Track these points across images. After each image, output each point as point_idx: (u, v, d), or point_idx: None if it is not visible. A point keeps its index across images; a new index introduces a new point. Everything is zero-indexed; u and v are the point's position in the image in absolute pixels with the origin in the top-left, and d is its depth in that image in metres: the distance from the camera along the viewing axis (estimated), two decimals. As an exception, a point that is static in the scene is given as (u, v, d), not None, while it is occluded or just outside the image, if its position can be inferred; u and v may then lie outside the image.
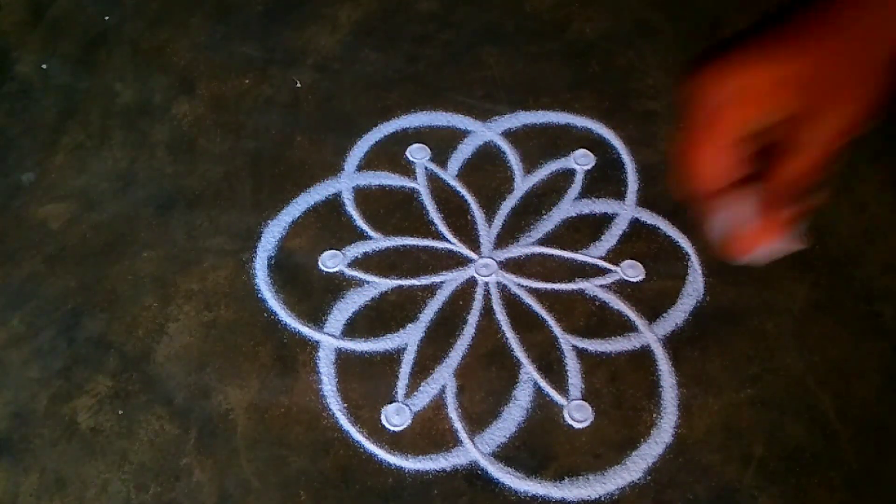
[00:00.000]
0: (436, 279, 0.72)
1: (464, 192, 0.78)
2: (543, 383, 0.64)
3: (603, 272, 0.71)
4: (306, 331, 0.69)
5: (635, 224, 0.74)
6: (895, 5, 0.33)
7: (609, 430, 0.62)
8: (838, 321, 0.67)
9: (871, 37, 0.34)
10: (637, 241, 0.73)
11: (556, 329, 0.68)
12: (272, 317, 0.70)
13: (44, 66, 0.95)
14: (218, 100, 0.89)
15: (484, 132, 0.83)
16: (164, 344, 0.69)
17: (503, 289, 0.71)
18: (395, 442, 0.62)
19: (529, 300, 0.70)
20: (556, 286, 0.70)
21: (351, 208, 0.78)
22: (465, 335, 0.68)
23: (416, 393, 0.65)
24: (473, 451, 0.61)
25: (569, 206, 0.76)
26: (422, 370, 0.66)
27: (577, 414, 0.62)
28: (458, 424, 0.63)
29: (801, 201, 0.36)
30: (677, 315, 0.68)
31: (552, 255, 0.73)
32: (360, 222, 0.77)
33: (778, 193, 0.36)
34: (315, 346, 0.68)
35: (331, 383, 0.66)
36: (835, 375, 0.63)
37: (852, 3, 0.34)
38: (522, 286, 0.71)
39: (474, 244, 0.74)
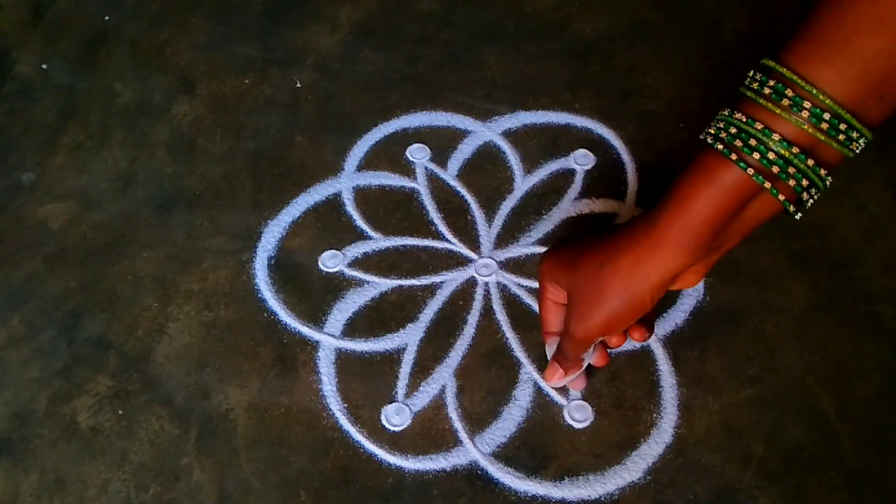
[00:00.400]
0: (436, 279, 0.72)
1: (464, 192, 0.78)
2: (543, 383, 0.64)
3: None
4: (306, 331, 0.69)
5: (635, 224, 0.74)
6: (668, 260, 0.47)
7: (609, 430, 0.62)
8: (838, 321, 0.67)
9: (643, 275, 0.48)
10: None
11: (556, 329, 0.68)
12: (272, 317, 0.70)
13: (44, 66, 0.95)
14: (218, 100, 0.89)
15: (484, 132, 0.83)
16: (164, 344, 0.69)
17: (503, 289, 0.71)
18: (395, 442, 0.62)
19: (530, 300, 0.70)
20: (556, 286, 0.70)
21: (351, 208, 0.78)
22: (465, 335, 0.68)
23: (416, 393, 0.65)
24: (473, 451, 0.61)
25: (569, 206, 0.76)
26: (422, 370, 0.66)
27: (577, 414, 0.62)
28: (458, 424, 0.63)
29: (575, 361, 0.57)
30: (677, 315, 0.68)
31: (552, 255, 0.73)
32: (360, 222, 0.77)
33: (562, 348, 0.56)
34: (315, 346, 0.68)
35: (331, 383, 0.66)
36: (835, 375, 0.63)
37: (618, 249, 0.49)
38: (522, 286, 0.71)
39: (474, 244, 0.74)
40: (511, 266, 0.72)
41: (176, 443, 0.63)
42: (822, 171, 0.43)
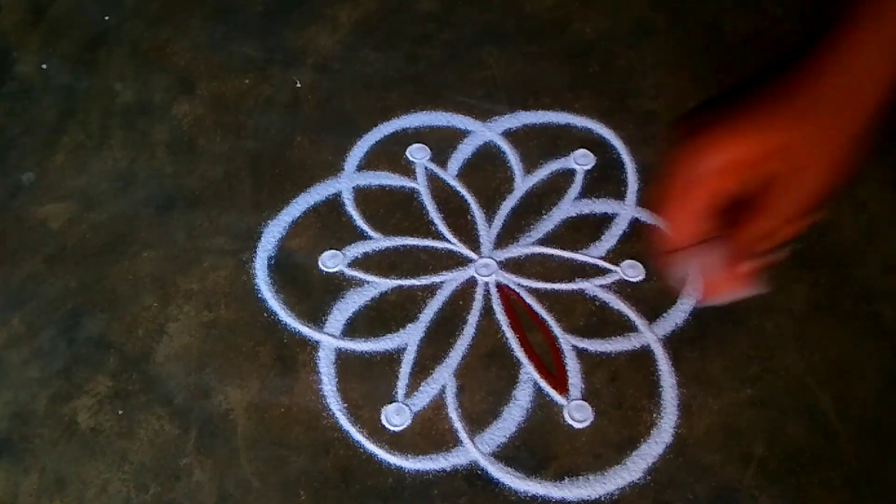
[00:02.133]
0: (436, 279, 0.72)
1: (464, 192, 0.78)
2: (543, 383, 0.64)
3: (603, 272, 0.71)
4: (306, 331, 0.69)
5: (635, 224, 0.75)
6: (870, 73, 0.34)
7: (609, 430, 0.62)
8: (838, 321, 0.67)
9: (850, 107, 0.35)
10: (637, 241, 0.73)
11: (556, 329, 0.68)
12: (272, 317, 0.70)
13: (44, 66, 0.95)
14: (218, 100, 0.89)
15: (484, 132, 0.83)
16: (164, 344, 0.69)
17: (503, 289, 0.71)
18: (395, 442, 0.62)
19: (530, 300, 0.70)
20: (556, 286, 0.70)
21: (351, 208, 0.78)
22: (465, 335, 0.68)
23: (416, 393, 0.65)
24: (473, 451, 0.61)
25: (569, 206, 0.76)
26: (422, 370, 0.66)
27: (577, 414, 0.62)
28: (458, 424, 0.63)
29: (764, 256, 0.37)
30: (677, 315, 0.68)
31: (552, 255, 0.73)
32: (360, 222, 0.77)
33: (744, 249, 0.37)
34: (315, 346, 0.68)
35: (331, 383, 0.66)
36: (835, 375, 0.63)
37: (832, 70, 0.35)
38: (522, 286, 0.71)
39: (474, 244, 0.74)
40: (511, 266, 0.72)
41: (176, 443, 0.63)
42: None
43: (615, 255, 0.72)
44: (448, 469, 0.60)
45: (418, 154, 0.82)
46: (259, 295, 0.72)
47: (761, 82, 0.36)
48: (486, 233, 0.75)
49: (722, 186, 0.35)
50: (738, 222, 0.37)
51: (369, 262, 0.73)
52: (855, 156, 0.37)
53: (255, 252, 0.75)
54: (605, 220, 0.75)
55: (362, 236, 0.76)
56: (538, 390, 0.64)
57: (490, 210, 0.77)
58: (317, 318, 0.70)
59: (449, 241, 0.75)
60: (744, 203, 0.36)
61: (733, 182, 0.35)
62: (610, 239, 0.73)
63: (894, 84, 0.36)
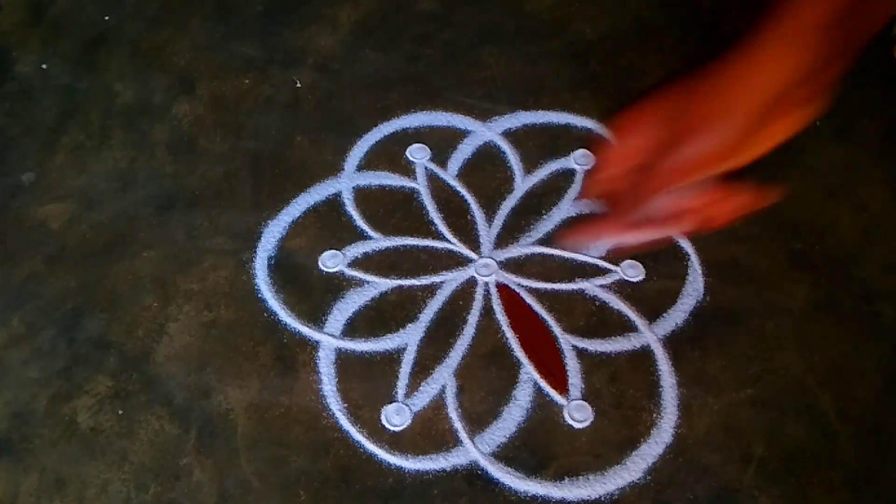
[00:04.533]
0: (436, 279, 0.72)
1: (464, 192, 0.78)
2: (543, 383, 0.64)
3: (603, 272, 0.71)
4: (306, 331, 0.69)
5: (635, 224, 0.74)
6: (776, 63, 0.40)
7: (609, 430, 0.62)
8: (838, 321, 0.67)
9: (746, 86, 0.41)
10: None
11: (556, 329, 0.68)
12: (272, 317, 0.70)
13: (44, 66, 0.95)
14: (218, 100, 0.89)
15: (484, 132, 0.83)
16: (164, 344, 0.69)
17: (503, 289, 0.71)
18: (395, 442, 0.62)
19: (530, 300, 0.70)
20: (556, 286, 0.70)
21: (351, 208, 0.78)
22: (465, 335, 0.68)
23: (416, 393, 0.65)
24: (473, 451, 0.61)
25: (569, 206, 0.76)
26: (422, 370, 0.66)
27: (577, 414, 0.62)
28: (458, 424, 0.63)
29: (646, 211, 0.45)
30: (677, 315, 0.68)
31: (552, 255, 0.73)
32: (360, 222, 0.77)
33: (626, 200, 0.46)
34: (315, 346, 0.68)
35: (331, 383, 0.66)
36: (835, 375, 0.63)
37: (741, 57, 0.41)
38: (522, 286, 0.71)
39: (474, 244, 0.74)
40: (511, 266, 0.72)
41: (176, 443, 0.63)
42: None
43: (615, 255, 0.72)
44: (448, 469, 0.60)
45: (418, 154, 0.82)
46: (259, 295, 0.72)
47: (692, 74, 0.44)
48: (486, 233, 0.75)
49: (627, 141, 0.46)
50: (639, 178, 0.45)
51: (369, 262, 0.73)
52: (744, 135, 0.41)
53: (255, 252, 0.75)
54: (605, 220, 0.75)
55: (362, 236, 0.76)
56: (538, 390, 0.64)
57: (490, 210, 0.77)
58: (317, 318, 0.70)
59: (449, 241, 0.75)
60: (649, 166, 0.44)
61: (632, 138, 0.46)
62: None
63: (793, 79, 0.40)
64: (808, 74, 0.41)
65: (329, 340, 0.68)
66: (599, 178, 0.48)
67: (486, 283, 0.71)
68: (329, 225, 0.77)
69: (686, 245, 0.72)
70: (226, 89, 0.90)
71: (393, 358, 0.67)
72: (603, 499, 0.58)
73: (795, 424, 0.61)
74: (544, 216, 0.76)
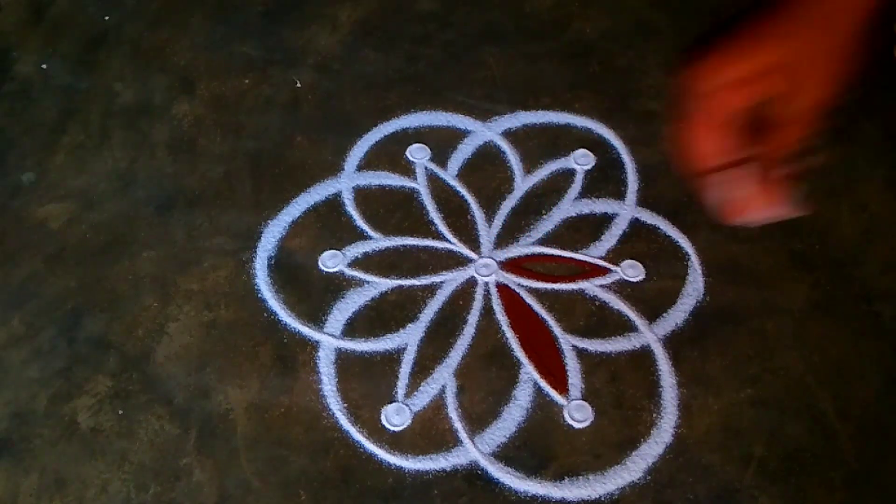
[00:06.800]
0: (436, 279, 0.72)
1: (464, 192, 0.78)
2: (543, 383, 0.64)
3: (603, 272, 0.71)
4: (306, 331, 0.69)
5: (635, 224, 0.75)
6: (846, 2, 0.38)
7: (609, 430, 0.62)
8: (838, 321, 0.67)
9: (834, 23, 0.39)
10: (637, 241, 0.73)
11: (556, 329, 0.68)
12: (272, 317, 0.70)
13: (44, 66, 0.95)
14: (218, 100, 0.89)
15: (484, 132, 0.83)
16: (164, 344, 0.69)
17: (503, 289, 0.71)
18: (395, 442, 0.62)
19: (530, 300, 0.70)
20: (556, 286, 0.70)
21: (351, 208, 0.78)
22: (465, 335, 0.68)
23: (416, 393, 0.65)
24: (473, 451, 0.61)
25: (569, 206, 0.76)
26: (422, 370, 0.66)
27: (577, 414, 0.62)
28: (458, 424, 0.63)
29: (792, 167, 0.40)
30: (677, 315, 0.68)
31: (552, 255, 0.73)
32: (360, 222, 0.77)
33: (772, 161, 0.40)
34: (315, 346, 0.68)
35: (331, 383, 0.66)
36: (835, 375, 0.63)
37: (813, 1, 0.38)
38: (522, 286, 0.71)
39: (474, 244, 0.74)
40: (511, 266, 0.72)
41: (176, 443, 0.63)
42: None
43: (615, 255, 0.72)
44: (448, 469, 0.60)
45: (418, 154, 0.82)
46: (259, 295, 0.72)
47: (755, 11, 0.39)
48: (486, 233, 0.75)
49: (735, 100, 0.38)
50: (761, 144, 0.39)
51: (369, 262, 0.73)
52: (846, 66, 0.40)
53: (255, 252, 0.75)
54: (605, 220, 0.75)
55: (362, 236, 0.76)
56: (538, 390, 0.64)
57: (490, 210, 0.77)
58: (317, 318, 0.70)
59: (449, 241, 0.75)
60: (761, 126, 0.39)
61: (742, 98, 0.38)
62: (610, 239, 0.73)
63: (861, 24, 0.38)
64: (860, 31, 0.39)
65: (329, 340, 0.68)
66: (701, 139, 0.40)
67: (486, 283, 0.71)
68: (329, 225, 0.77)
69: (686, 245, 0.72)
70: (226, 89, 0.90)
71: (393, 358, 0.67)
72: (603, 499, 0.58)
73: (795, 424, 0.61)
74: (544, 216, 0.76)
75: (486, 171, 0.80)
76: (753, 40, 0.39)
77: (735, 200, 0.41)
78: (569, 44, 0.91)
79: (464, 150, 0.82)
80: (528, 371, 0.65)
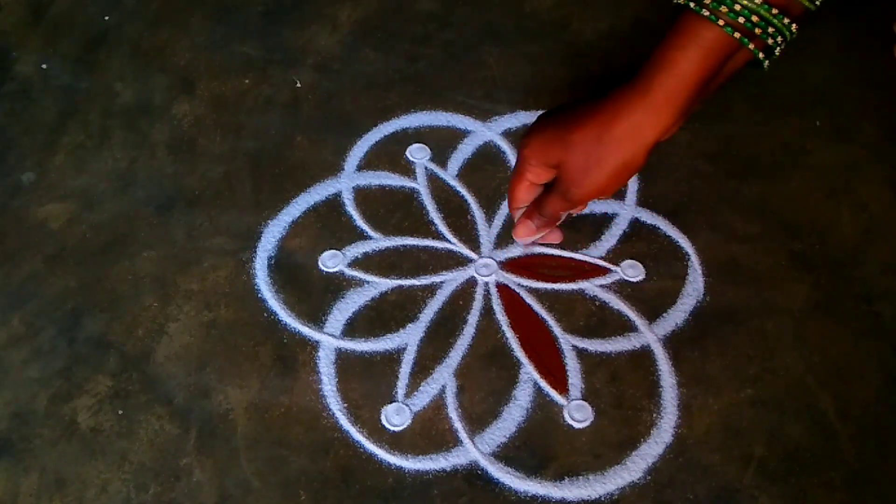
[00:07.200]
0: (436, 279, 0.72)
1: (464, 192, 0.79)
2: (543, 383, 0.64)
3: (603, 272, 0.71)
4: (306, 331, 0.69)
5: (635, 224, 0.75)
6: (649, 119, 0.53)
7: (609, 430, 0.62)
8: (838, 321, 0.67)
9: (622, 147, 0.54)
10: (637, 241, 0.73)
11: (556, 329, 0.68)
12: (272, 317, 0.70)
13: (44, 66, 0.95)
14: (218, 100, 0.89)
15: (484, 132, 0.83)
16: (164, 344, 0.69)
17: (503, 289, 0.71)
18: (395, 442, 0.62)
19: (530, 300, 0.70)
20: (556, 286, 0.70)
21: (351, 208, 0.78)
22: (465, 335, 0.68)
23: (416, 393, 0.65)
24: (473, 451, 0.61)
25: (569, 206, 0.76)
26: (422, 370, 0.66)
27: (577, 414, 0.62)
28: (458, 424, 0.63)
29: (556, 219, 0.63)
30: (677, 315, 0.68)
31: (552, 255, 0.73)
32: (360, 222, 0.77)
33: (539, 213, 0.62)
34: (315, 346, 0.68)
35: (331, 383, 0.66)
36: (835, 375, 0.63)
37: (620, 113, 0.53)
38: (522, 286, 0.71)
39: (474, 244, 0.74)
40: (511, 266, 0.72)
41: (176, 443, 0.63)
42: (786, 20, 0.49)
43: (615, 255, 0.72)
44: (448, 469, 0.60)
45: (418, 154, 0.82)
46: (259, 295, 0.72)
47: (579, 108, 0.56)
48: (486, 233, 0.75)
49: (530, 175, 0.59)
50: (545, 201, 0.61)
51: (369, 262, 0.73)
52: (618, 183, 0.57)
53: (255, 252, 0.75)
54: (605, 220, 0.75)
55: (362, 236, 0.76)
56: (538, 390, 0.64)
57: (490, 210, 0.77)
58: (317, 318, 0.70)
59: (449, 241, 0.75)
60: (554, 189, 0.59)
61: (534, 176, 0.59)
62: (610, 239, 0.73)
63: (661, 137, 0.54)
64: (673, 128, 0.54)
65: (329, 340, 0.68)
66: (516, 198, 0.63)
67: (486, 283, 0.71)
68: (329, 225, 0.77)
69: (686, 245, 0.72)
70: (226, 89, 0.90)
71: (393, 358, 0.67)
72: (603, 499, 0.58)
73: (795, 424, 0.61)
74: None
75: (486, 171, 0.80)
76: (551, 141, 0.56)
77: (522, 229, 0.65)
78: (569, 44, 0.91)
79: (464, 150, 0.82)
80: (528, 371, 0.65)
